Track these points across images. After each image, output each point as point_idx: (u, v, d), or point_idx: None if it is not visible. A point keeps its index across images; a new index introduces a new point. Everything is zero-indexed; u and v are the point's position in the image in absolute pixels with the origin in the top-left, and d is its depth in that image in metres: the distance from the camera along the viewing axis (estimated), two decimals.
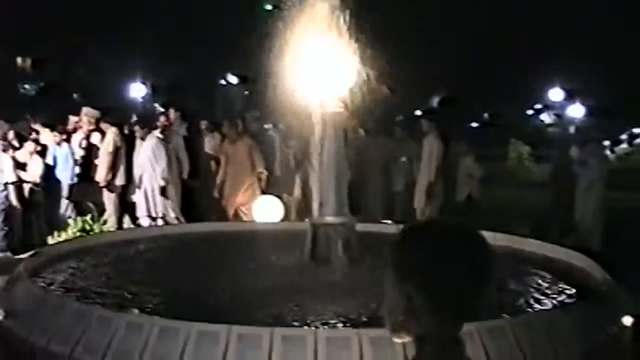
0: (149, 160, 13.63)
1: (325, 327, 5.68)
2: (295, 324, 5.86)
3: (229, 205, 14.03)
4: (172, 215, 13.77)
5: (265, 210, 12.75)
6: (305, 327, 5.67)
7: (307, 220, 8.67)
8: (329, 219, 8.23)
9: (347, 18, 8.50)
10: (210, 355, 5.07)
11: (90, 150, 14.38)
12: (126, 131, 14.88)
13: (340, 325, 5.48)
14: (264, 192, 13.94)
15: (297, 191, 14.17)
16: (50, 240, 11.44)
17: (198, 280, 7.45)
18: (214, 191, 14.15)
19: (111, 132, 14.08)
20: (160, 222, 13.71)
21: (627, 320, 6.44)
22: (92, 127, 14.55)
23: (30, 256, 8.09)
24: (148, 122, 14.83)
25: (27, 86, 46.84)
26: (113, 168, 13.85)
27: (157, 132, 13.91)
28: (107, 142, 13.95)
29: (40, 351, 5.89)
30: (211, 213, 14.13)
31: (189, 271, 7.92)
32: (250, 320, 5.63)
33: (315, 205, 8.49)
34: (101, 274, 7.95)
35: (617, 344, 6.25)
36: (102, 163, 13.86)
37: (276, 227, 11.26)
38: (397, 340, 2.18)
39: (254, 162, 14.04)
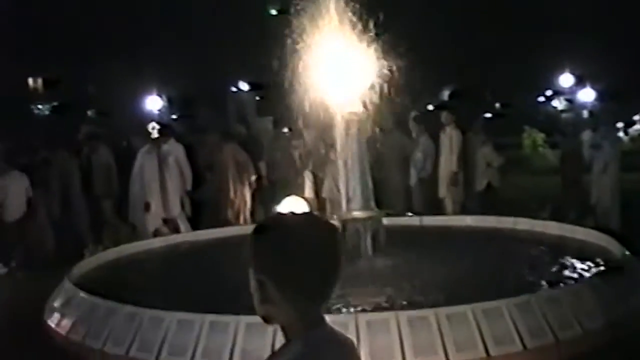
0: (138, 174, 13.67)
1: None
2: (338, 311, 6.20)
3: (225, 210, 14.16)
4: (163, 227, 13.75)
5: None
6: (347, 313, 6.02)
7: (334, 216, 9.02)
8: (357, 213, 8.57)
9: (355, 17, 8.79)
10: (259, 344, 5.43)
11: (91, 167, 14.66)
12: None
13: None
14: (254, 197, 14.13)
15: (307, 192, 14.30)
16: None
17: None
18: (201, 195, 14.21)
19: (103, 148, 14.45)
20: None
21: None
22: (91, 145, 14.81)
23: (75, 267, 8.47)
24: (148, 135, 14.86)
25: (40, 106, 47.17)
26: (107, 183, 14.16)
27: (147, 146, 13.93)
28: (99, 158, 14.34)
29: (96, 353, 6.29)
30: (210, 220, 14.11)
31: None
32: None
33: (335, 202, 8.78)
34: (142, 278, 8.35)
35: (638, 313, 6.56)
36: (96, 179, 14.19)
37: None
38: (268, 325, 2.33)
39: (239, 167, 14.26)
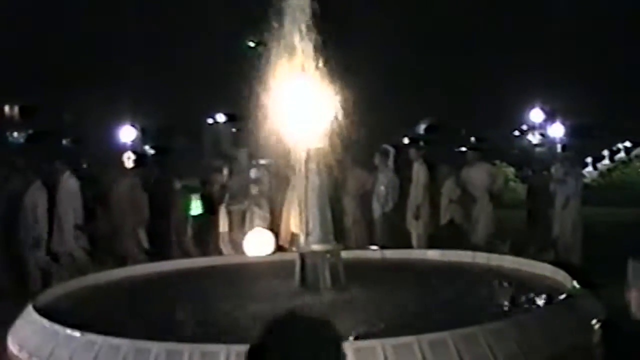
0: (29, 208, 13.66)
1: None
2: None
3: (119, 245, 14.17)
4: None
5: (257, 244, 13.05)
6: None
7: (294, 249, 9.22)
8: (315, 246, 8.77)
9: (329, 52, 8.99)
10: None
11: None
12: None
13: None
14: (150, 235, 14.20)
15: (221, 226, 14.45)
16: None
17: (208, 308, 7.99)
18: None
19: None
20: None
21: (595, 325, 6.97)
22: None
23: (39, 295, 8.60)
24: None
25: (15, 134, 47.00)
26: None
27: (38, 181, 13.84)
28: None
29: None
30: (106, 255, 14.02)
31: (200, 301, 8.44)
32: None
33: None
34: (105, 308, 8.49)
35: (585, 347, 6.76)
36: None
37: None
38: None
39: (134, 202, 14.25)
